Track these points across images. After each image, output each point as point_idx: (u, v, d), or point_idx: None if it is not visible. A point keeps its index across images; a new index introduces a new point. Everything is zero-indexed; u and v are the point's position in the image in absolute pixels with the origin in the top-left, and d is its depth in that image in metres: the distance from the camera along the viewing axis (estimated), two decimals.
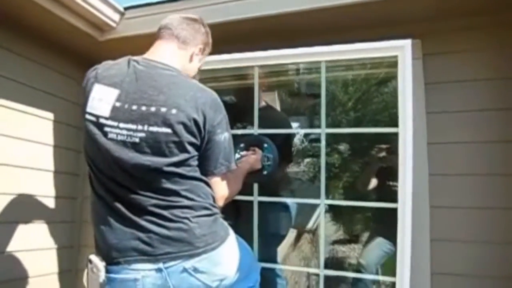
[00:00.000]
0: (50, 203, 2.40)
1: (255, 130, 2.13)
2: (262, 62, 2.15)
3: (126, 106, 1.27)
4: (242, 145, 2.03)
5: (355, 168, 4.63)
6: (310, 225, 4.64)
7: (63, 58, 2.50)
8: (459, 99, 1.97)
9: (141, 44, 1.68)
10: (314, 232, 4.66)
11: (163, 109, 1.25)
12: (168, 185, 1.29)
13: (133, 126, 1.25)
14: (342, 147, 4.81)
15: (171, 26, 1.47)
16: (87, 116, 1.30)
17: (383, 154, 3.13)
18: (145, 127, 1.25)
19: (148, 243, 1.26)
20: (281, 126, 2.31)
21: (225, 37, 1.79)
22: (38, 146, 2.33)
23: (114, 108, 1.27)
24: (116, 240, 1.28)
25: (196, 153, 1.33)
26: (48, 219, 2.37)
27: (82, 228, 2.56)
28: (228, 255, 1.40)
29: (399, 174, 1.89)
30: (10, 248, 2.11)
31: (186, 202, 1.30)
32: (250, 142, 2.05)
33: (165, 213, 1.27)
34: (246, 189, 1.88)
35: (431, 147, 1.96)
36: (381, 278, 2.01)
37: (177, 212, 1.29)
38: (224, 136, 1.37)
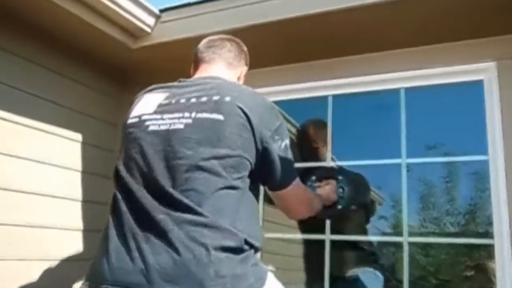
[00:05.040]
0: (78, 237, 2.20)
1: (328, 162, 2.09)
2: (335, 91, 2.09)
3: (174, 101, 1.26)
4: (313, 177, 1.89)
5: None
6: None
7: (92, 70, 2.38)
8: None
9: (178, 51, 1.68)
10: None
11: (216, 97, 1.21)
12: (201, 179, 1.10)
13: (179, 114, 1.20)
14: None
15: (215, 49, 1.46)
16: (129, 121, 1.28)
17: None
18: (193, 114, 1.19)
19: (144, 275, 1.01)
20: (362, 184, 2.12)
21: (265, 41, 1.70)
22: (64, 172, 2.17)
23: (160, 105, 1.26)
24: (113, 262, 1.07)
25: (246, 155, 1.16)
26: (76, 254, 2.16)
27: None
28: None
29: (492, 205, 1.82)
30: None
31: (211, 218, 1.06)
32: (323, 174, 1.91)
33: (178, 232, 1.04)
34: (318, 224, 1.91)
35: None
36: None
37: (195, 233, 1.04)
38: (285, 144, 1.29)
